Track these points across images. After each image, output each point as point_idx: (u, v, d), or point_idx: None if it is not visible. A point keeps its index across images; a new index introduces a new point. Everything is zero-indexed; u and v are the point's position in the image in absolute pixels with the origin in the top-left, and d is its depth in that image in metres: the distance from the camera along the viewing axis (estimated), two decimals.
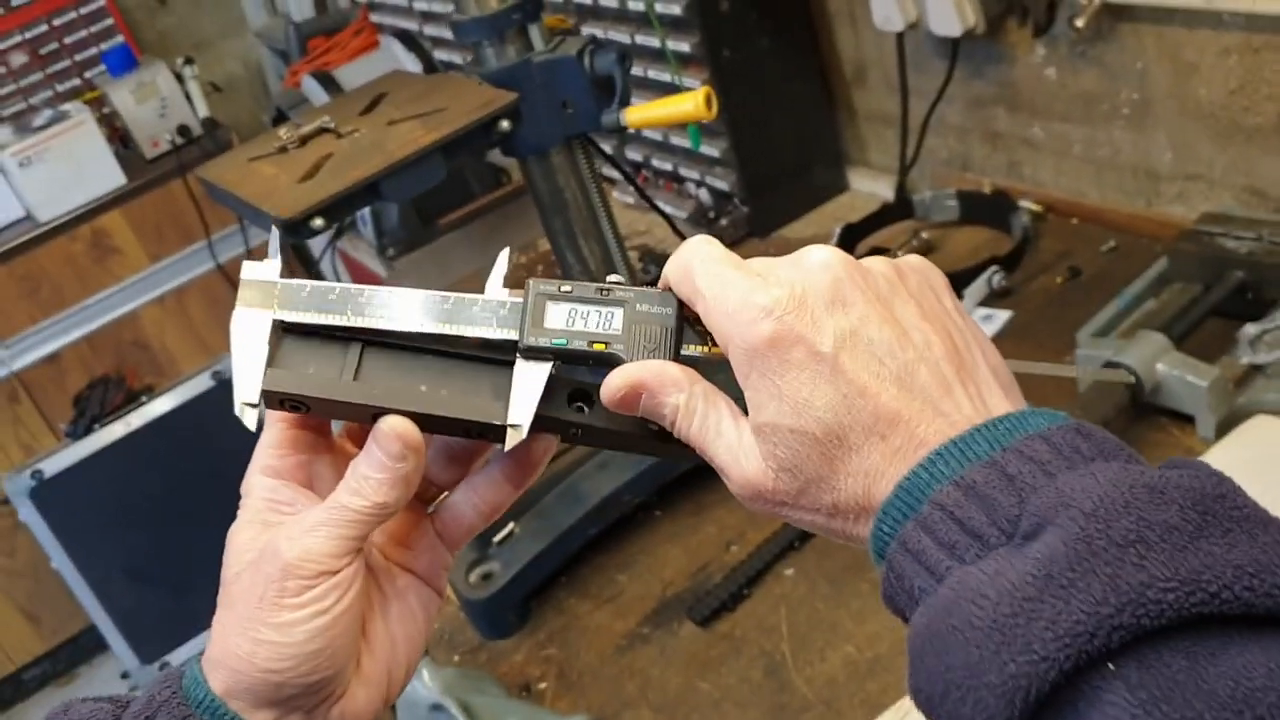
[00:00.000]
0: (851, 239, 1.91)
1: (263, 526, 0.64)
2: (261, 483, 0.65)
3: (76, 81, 3.81)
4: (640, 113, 1.36)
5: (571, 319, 0.62)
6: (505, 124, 1.38)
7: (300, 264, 3.53)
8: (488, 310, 0.63)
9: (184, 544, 3.46)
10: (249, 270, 0.65)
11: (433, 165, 1.33)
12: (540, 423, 0.62)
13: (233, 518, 0.66)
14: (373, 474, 0.62)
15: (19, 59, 3.73)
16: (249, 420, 0.63)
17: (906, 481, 0.51)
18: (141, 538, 3.37)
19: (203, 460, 3.39)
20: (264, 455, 0.66)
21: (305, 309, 0.64)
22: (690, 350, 0.62)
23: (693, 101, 1.31)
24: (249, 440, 0.68)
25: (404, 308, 0.63)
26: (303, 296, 0.64)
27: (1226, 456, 1.31)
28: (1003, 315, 1.68)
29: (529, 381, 0.62)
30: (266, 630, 0.60)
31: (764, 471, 0.55)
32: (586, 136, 1.52)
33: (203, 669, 0.62)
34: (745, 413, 0.57)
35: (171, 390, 3.35)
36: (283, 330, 0.64)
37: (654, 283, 0.63)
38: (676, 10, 2.01)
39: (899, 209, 1.97)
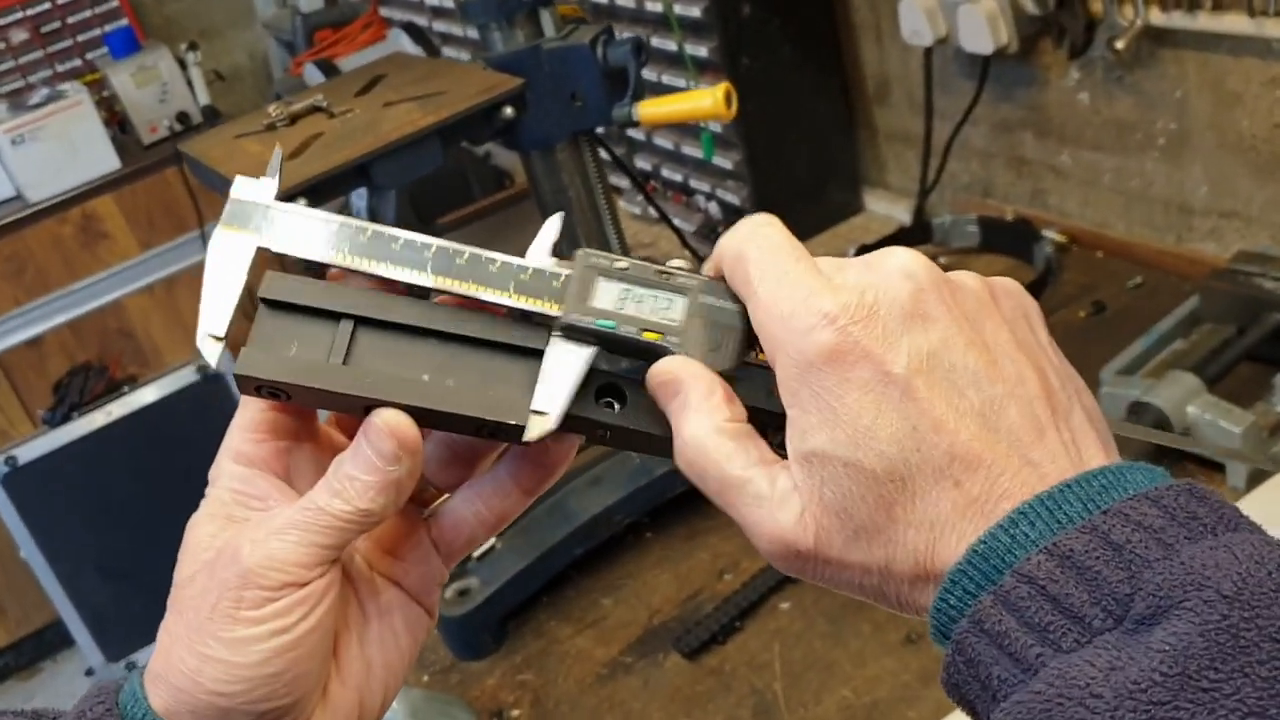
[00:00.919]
0: None
1: (226, 521, 0.54)
2: (231, 470, 0.55)
3: (77, 62, 3.72)
4: (654, 107, 1.28)
5: (624, 300, 0.52)
6: (509, 111, 1.30)
7: None
8: (525, 275, 0.53)
9: (159, 541, 3.34)
10: (240, 187, 0.55)
11: (429, 150, 1.25)
12: (564, 421, 0.53)
13: None
14: (359, 475, 0.52)
15: (19, 36, 3.65)
16: (209, 354, 0.54)
17: (982, 545, 0.41)
18: (116, 532, 3.27)
19: (184, 455, 3.29)
20: (236, 438, 0.56)
21: (296, 241, 0.54)
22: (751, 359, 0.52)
23: (711, 98, 1.24)
24: None
25: (418, 258, 0.53)
26: (296, 225, 0.54)
27: (1258, 510, 1.22)
28: None
29: (565, 365, 0.52)
30: (216, 645, 0.51)
31: (801, 522, 0.46)
32: (594, 134, 1.45)
33: (144, 684, 0.53)
34: (779, 447, 0.48)
35: (155, 381, 3.25)
36: (264, 305, 0.54)
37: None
38: (696, 13, 1.94)
39: (917, 232, 1.88)
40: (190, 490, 0.63)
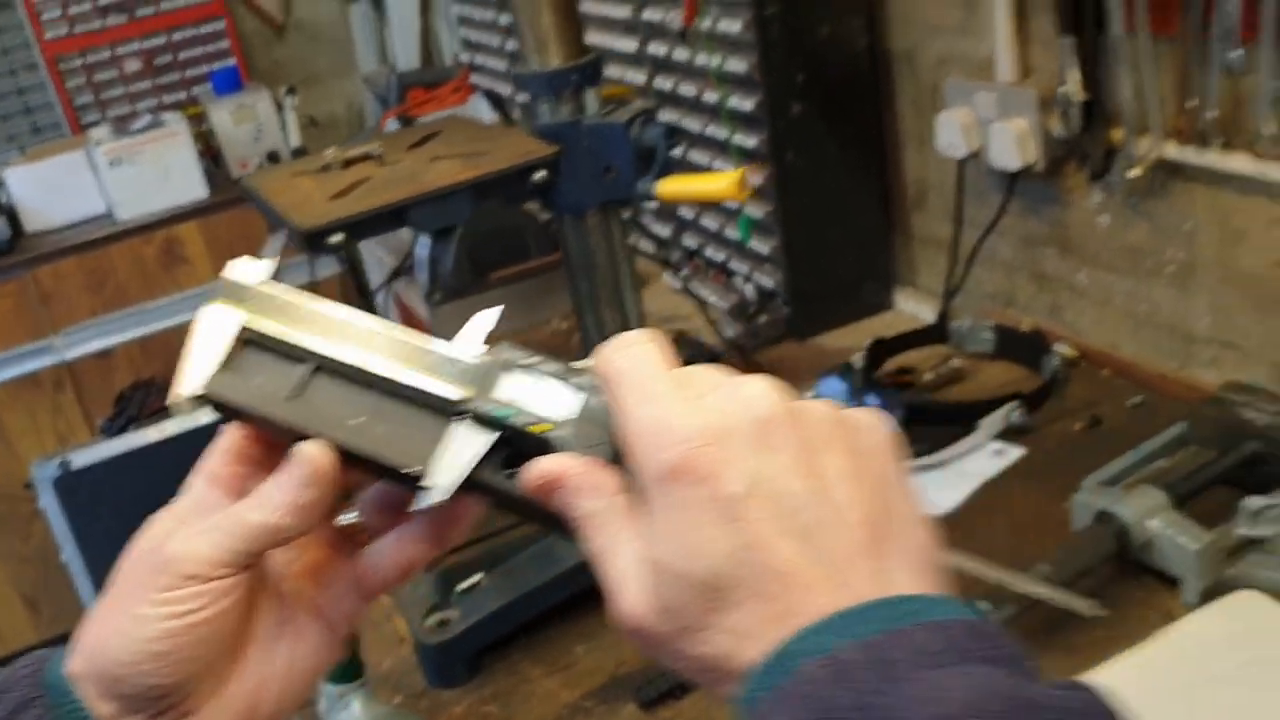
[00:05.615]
0: (880, 354, 1.89)
1: (177, 522, 0.64)
2: (198, 485, 0.65)
3: (182, 95, 3.94)
4: (671, 185, 1.37)
5: (525, 393, 0.59)
6: (542, 174, 1.40)
7: (359, 296, 3.59)
8: (442, 362, 0.61)
9: None
10: (233, 269, 0.65)
11: (460, 201, 1.35)
12: (468, 484, 0.59)
13: None
14: (276, 494, 0.61)
15: (133, 65, 3.87)
16: (181, 413, 0.63)
17: (777, 651, 0.47)
18: None
19: None
20: (211, 459, 0.65)
21: (272, 316, 0.64)
22: None
23: (727, 180, 1.32)
24: None
25: (363, 337, 0.62)
26: (274, 305, 0.64)
27: (1205, 625, 1.26)
28: (1015, 452, 1.65)
29: (462, 446, 0.59)
30: (123, 619, 0.60)
31: (644, 606, 0.51)
32: (624, 206, 1.54)
33: (66, 653, 0.63)
34: None
35: None
36: (245, 341, 0.64)
37: None
38: (749, 107, 2.03)
39: (934, 333, 1.95)
40: None
